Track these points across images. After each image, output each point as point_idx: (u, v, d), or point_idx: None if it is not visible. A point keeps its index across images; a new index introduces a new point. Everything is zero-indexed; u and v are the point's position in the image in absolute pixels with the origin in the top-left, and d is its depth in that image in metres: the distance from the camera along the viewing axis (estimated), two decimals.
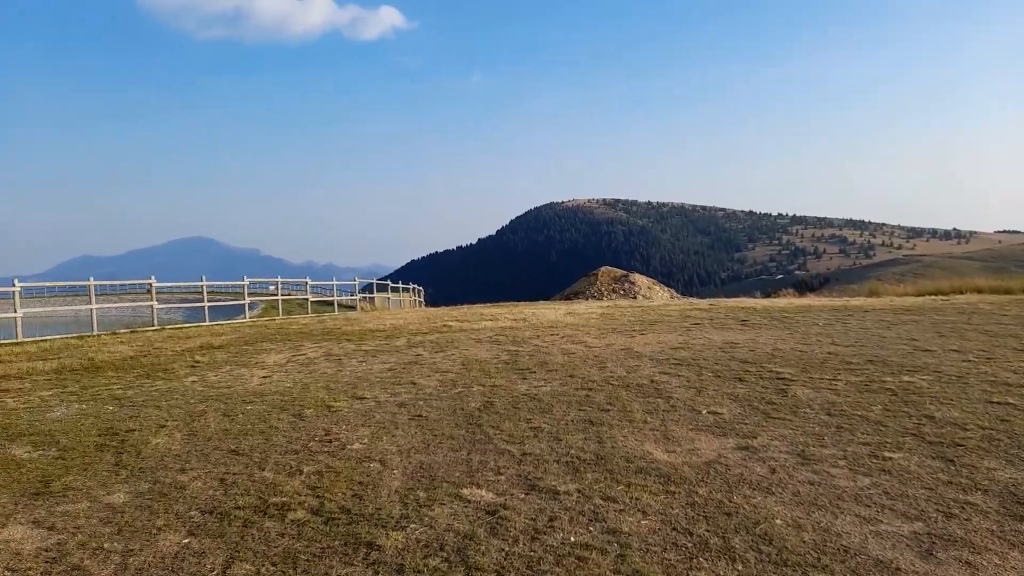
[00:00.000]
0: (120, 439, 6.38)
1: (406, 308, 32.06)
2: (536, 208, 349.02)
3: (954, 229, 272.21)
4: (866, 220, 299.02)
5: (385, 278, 34.57)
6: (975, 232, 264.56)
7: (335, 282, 27.50)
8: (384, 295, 34.10)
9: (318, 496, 4.67)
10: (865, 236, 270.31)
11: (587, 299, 32.21)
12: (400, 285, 36.90)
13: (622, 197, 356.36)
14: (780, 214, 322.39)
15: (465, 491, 4.63)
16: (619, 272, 35.67)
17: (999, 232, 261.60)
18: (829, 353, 9.00)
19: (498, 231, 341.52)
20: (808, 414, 6.01)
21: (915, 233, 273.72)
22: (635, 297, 32.30)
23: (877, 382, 7.11)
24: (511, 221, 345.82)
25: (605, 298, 32.38)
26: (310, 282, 26.27)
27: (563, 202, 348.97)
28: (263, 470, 5.31)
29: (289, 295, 27.55)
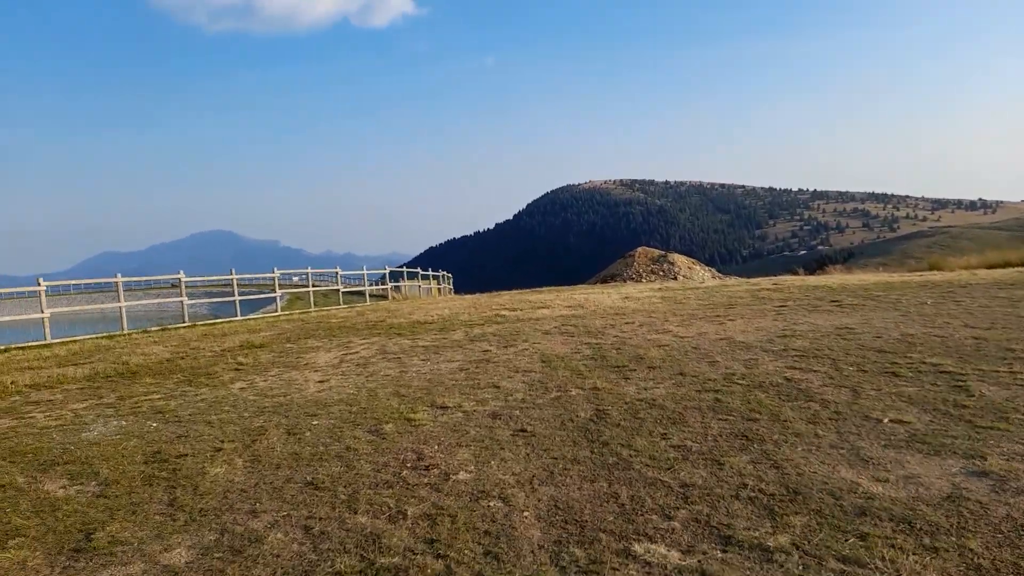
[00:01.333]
0: (171, 468, 5.31)
1: (436, 296, 31.02)
2: (553, 191, 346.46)
3: (980, 199, 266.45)
4: (888, 193, 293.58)
5: (403, 265, 33.48)
6: (1001, 202, 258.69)
7: (365, 271, 26.46)
8: (411, 283, 33.04)
9: (439, 555, 3.56)
10: (888, 209, 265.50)
11: (624, 281, 30.94)
12: (429, 272, 35.80)
13: (639, 177, 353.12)
14: (801, 189, 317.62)
15: (636, 547, 3.50)
16: (657, 252, 34.32)
17: None
18: (975, 338, 7.73)
19: (515, 215, 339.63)
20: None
21: (940, 204, 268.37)
22: (675, 278, 30.97)
23: None
24: (528, 205, 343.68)
25: (644, 280, 31.09)
26: (340, 271, 25.26)
27: (580, 184, 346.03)
28: (356, 513, 4.21)
29: (315, 285, 26.57)
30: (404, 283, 30.95)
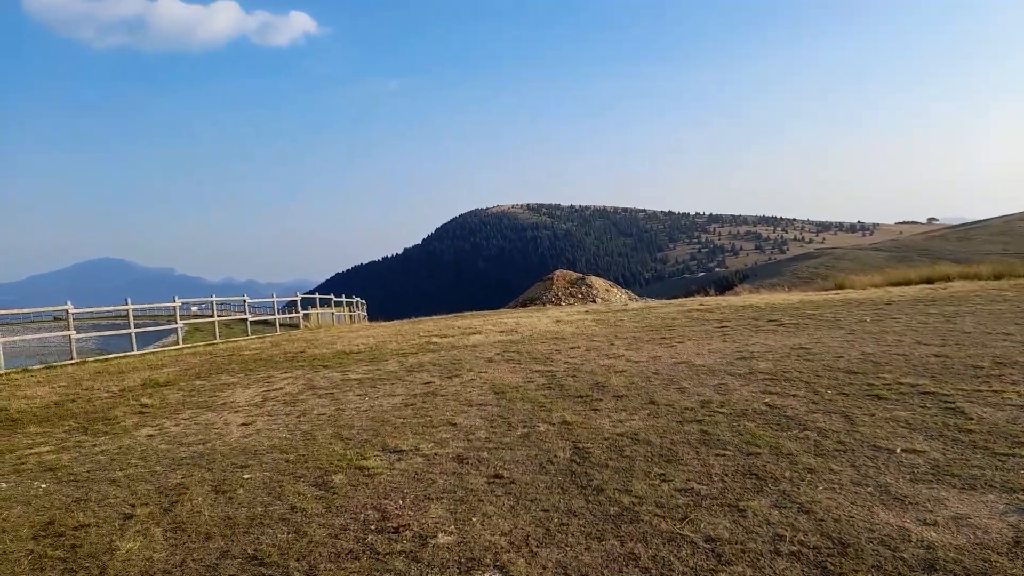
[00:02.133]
0: (69, 544, 4.29)
1: (352, 324, 29.74)
2: (462, 215, 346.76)
3: (859, 222, 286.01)
4: (778, 216, 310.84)
5: (312, 292, 31.96)
6: (878, 224, 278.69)
7: (275, 298, 24.90)
8: (323, 310, 31.51)
9: None
10: (778, 232, 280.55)
11: (544, 304, 30.63)
12: (343, 299, 34.31)
13: (545, 201, 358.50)
14: (698, 213, 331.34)
15: None
16: (575, 275, 34.29)
17: (899, 223, 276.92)
18: (936, 356, 7.63)
19: (424, 240, 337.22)
20: None
21: (823, 227, 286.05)
22: (594, 300, 30.95)
23: None
24: (436, 229, 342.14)
25: (564, 303, 30.89)
26: (248, 300, 23.63)
27: (488, 208, 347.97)
28: None
29: (219, 315, 24.76)
30: (315, 311, 29.45)
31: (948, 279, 23.26)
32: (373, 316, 36.85)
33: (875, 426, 5.22)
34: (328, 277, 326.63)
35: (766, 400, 6.30)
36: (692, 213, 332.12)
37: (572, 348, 10.69)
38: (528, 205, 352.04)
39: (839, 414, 5.63)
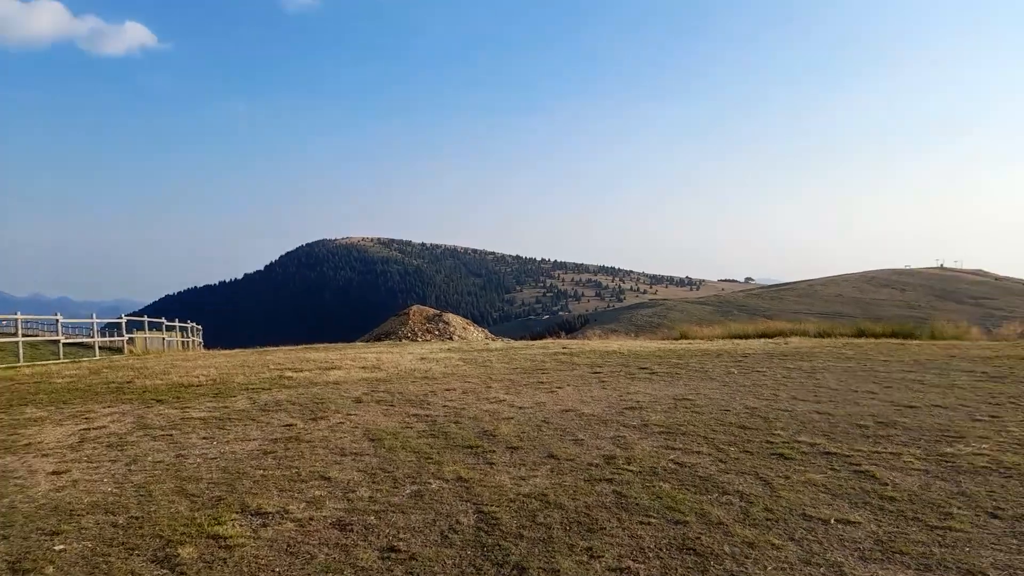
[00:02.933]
0: None
1: (187, 352, 27.07)
2: (308, 244, 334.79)
3: (687, 277, 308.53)
4: (616, 267, 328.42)
5: (138, 313, 28.89)
6: (704, 280, 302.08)
7: (95, 319, 21.93)
8: (153, 334, 28.35)
9: None
10: (616, 281, 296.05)
11: (400, 340, 29.57)
12: (176, 323, 31.14)
13: (397, 237, 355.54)
14: (544, 259, 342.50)
15: None
16: (432, 311, 33.51)
17: (721, 280, 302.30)
18: (818, 412, 7.71)
19: (267, 266, 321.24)
20: (976, 519, 4.39)
21: (656, 280, 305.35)
22: (451, 337, 30.31)
23: (949, 456, 5.79)
24: (280, 256, 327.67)
25: (420, 339, 29.99)
26: (61, 319, 20.60)
27: (336, 239, 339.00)
28: None
29: (25, 335, 21.46)
30: (143, 334, 26.42)
31: (784, 335, 25.03)
32: (209, 344, 33.83)
33: (795, 490, 4.97)
34: (157, 298, 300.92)
35: (671, 457, 5.94)
36: (539, 259, 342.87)
37: (447, 390, 9.96)
38: (379, 239, 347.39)
39: (752, 475, 5.36)
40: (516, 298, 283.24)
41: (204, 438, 7.10)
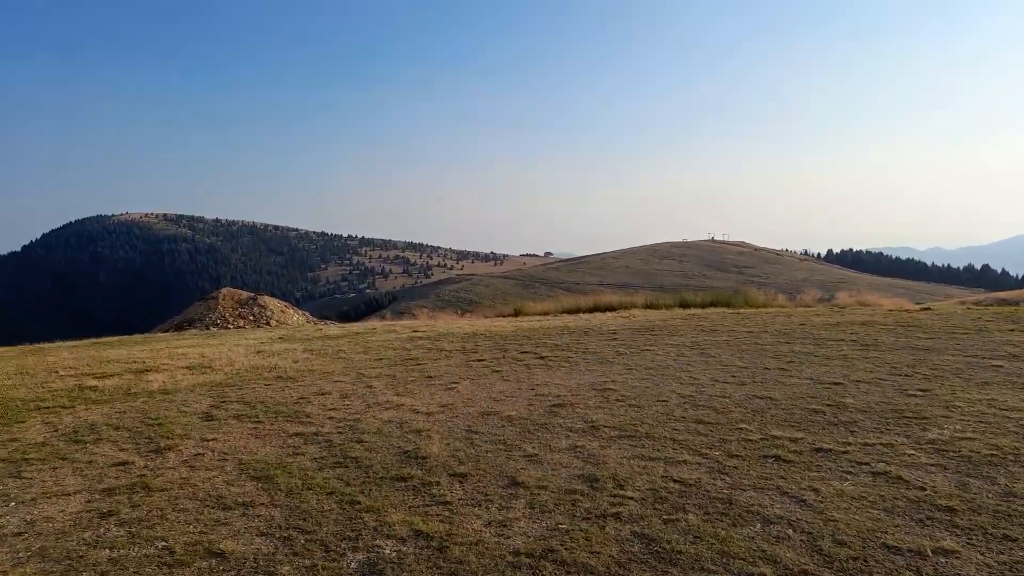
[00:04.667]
0: None
1: None
2: (78, 221, 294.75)
3: (492, 252, 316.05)
4: (424, 243, 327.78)
5: None
6: (507, 255, 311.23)
7: None
8: None
9: None
10: (424, 257, 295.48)
11: (208, 328, 26.11)
12: None
13: (186, 212, 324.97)
14: (350, 236, 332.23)
15: None
16: (245, 295, 30.04)
17: (523, 255, 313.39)
18: (759, 397, 7.03)
19: (24, 247, 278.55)
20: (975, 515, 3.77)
21: (463, 255, 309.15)
22: (269, 323, 27.36)
23: (941, 445, 5.29)
24: (43, 235, 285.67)
25: (232, 325, 26.71)
26: None
27: (114, 216, 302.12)
28: None
29: None
30: None
31: (616, 308, 25.39)
32: None
33: (840, 509, 4.12)
34: None
35: (659, 472, 4.88)
36: (345, 235, 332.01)
37: (320, 394, 8.13)
38: (165, 215, 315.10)
39: (774, 491, 4.45)
40: (321, 276, 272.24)
41: None
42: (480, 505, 4.38)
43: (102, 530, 4.18)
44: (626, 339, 12.47)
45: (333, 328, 21.41)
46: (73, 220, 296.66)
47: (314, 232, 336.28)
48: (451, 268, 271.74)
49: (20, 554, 3.88)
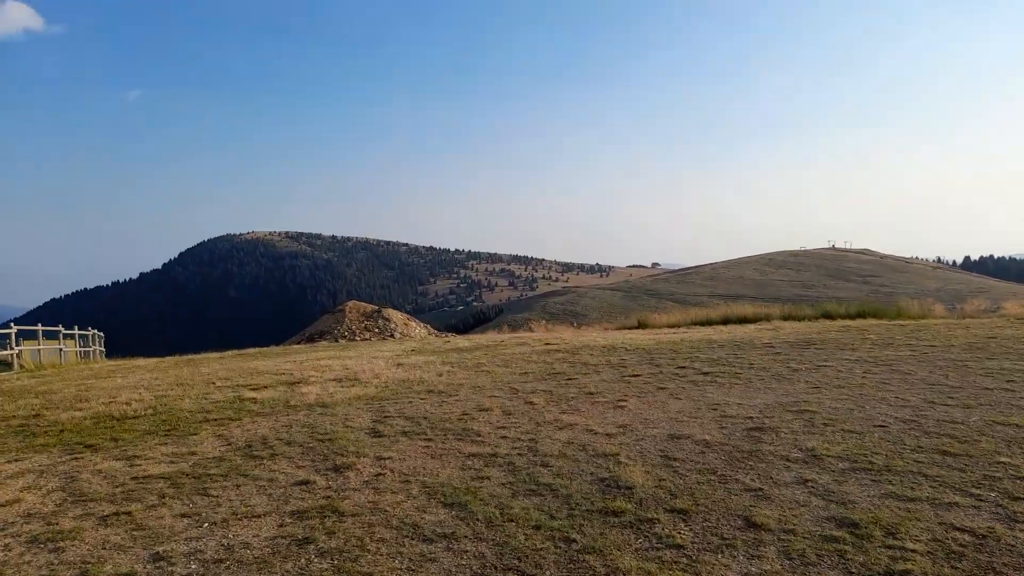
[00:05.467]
0: None
1: (93, 365, 23.44)
2: (211, 240, 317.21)
3: (597, 264, 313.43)
4: (529, 256, 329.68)
5: (19, 320, 24.88)
6: (612, 267, 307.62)
7: None
8: (49, 344, 24.30)
9: None
10: (529, 270, 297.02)
11: (337, 340, 26.78)
12: (75, 331, 27.01)
13: (305, 230, 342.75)
14: (458, 249, 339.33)
15: None
16: (370, 307, 30.75)
17: (630, 267, 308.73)
18: (996, 423, 6.01)
19: (164, 265, 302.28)
20: None
21: (568, 268, 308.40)
22: (392, 335, 27.77)
23: None
24: (180, 254, 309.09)
25: (359, 337, 27.29)
26: None
27: (241, 234, 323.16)
28: None
29: None
30: (37, 345, 22.52)
31: (750, 320, 23.94)
32: (109, 353, 29.78)
33: None
34: (42, 302, 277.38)
35: (934, 518, 4.03)
36: (452, 249, 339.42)
37: (480, 410, 7.72)
38: (287, 233, 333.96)
39: None
40: (430, 290, 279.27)
41: (182, 516, 4.67)
42: (722, 552, 3.72)
43: (303, 561, 3.83)
44: (790, 353, 11.42)
45: (462, 340, 21.29)
46: (206, 239, 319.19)
47: (423, 247, 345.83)
48: (556, 280, 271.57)
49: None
